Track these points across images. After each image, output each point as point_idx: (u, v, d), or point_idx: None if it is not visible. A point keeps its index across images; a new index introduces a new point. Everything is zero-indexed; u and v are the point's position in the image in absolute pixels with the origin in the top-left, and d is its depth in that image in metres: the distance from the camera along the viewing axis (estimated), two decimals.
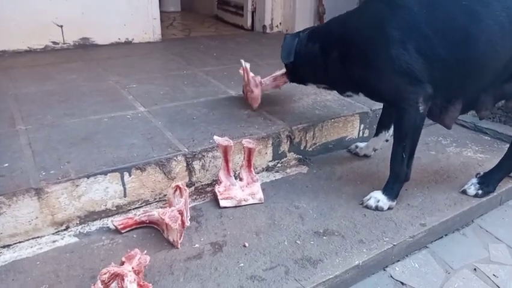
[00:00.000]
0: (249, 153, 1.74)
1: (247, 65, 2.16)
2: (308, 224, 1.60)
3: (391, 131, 1.95)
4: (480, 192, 1.82)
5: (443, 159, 2.14)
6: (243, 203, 1.69)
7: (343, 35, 1.69)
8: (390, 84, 1.59)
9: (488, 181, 1.85)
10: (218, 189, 1.71)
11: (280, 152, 2.00)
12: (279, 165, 2.02)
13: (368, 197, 1.72)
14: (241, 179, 1.76)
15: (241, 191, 1.72)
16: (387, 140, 2.05)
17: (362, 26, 1.64)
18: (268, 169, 1.99)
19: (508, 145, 1.90)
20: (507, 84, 1.67)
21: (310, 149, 2.09)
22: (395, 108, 1.65)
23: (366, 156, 2.12)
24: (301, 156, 2.08)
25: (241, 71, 2.23)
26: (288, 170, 2.01)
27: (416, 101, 1.56)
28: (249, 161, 1.75)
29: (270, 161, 1.99)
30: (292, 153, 2.06)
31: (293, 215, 1.65)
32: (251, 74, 2.16)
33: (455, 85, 1.61)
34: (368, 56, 1.60)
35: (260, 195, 1.72)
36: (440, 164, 2.09)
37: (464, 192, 1.83)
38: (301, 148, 2.06)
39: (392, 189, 1.70)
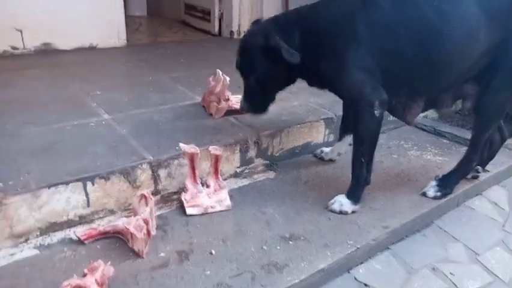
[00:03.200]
0: (216, 160, 1.75)
1: (227, 78, 2.17)
2: (275, 229, 1.63)
3: None
4: (439, 194, 1.90)
5: (405, 162, 2.23)
6: (210, 210, 1.70)
7: (313, 25, 1.67)
8: (351, 80, 1.62)
9: (446, 183, 1.93)
10: (184, 197, 1.71)
11: (247, 158, 2.02)
12: (246, 171, 2.04)
13: (332, 201, 1.77)
14: (208, 186, 1.76)
15: (208, 198, 1.72)
16: (350, 144, 2.11)
17: (333, 18, 1.65)
18: (235, 175, 2.01)
19: (465, 148, 2.00)
20: (467, 84, 1.77)
21: (277, 154, 2.13)
22: (352, 111, 1.71)
23: (331, 160, 2.17)
24: (268, 162, 2.11)
25: (210, 79, 2.25)
26: (256, 176, 2.03)
27: (372, 105, 1.61)
28: (216, 167, 1.76)
29: (237, 167, 2.01)
30: (260, 158, 2.08)
31: (260, 221, 1.67)
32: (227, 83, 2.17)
33: (419, 84, 1.69)
34: (334, 49, 1.61)
35: (227, 202, 1.73)
36: (401, 167, 2.17)
37: (424, 194, 1.91)
38: (269, 154, 2.10)
39: (354, 193, 1.75)
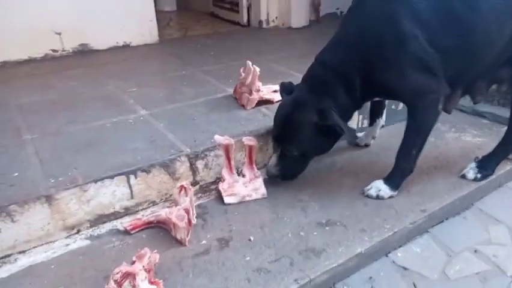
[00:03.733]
0: (250, 150, 1.80)
1: (257, 69, 2.21)
2: (311, 215, 1.67)
3: (384, 116, 2.02)
4: (479, 176, 1.86)
5: (442, 145, 2.19)
6: (247, 198, 1.75)
7: (359, 46, 1.60)
8: (411, 82, 1.58)
9: (486, 165, 1.89)
10: (222, 186, 1.77)
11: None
12: None
13: (369, 186, 1.78)
14: (244, 176, 1.82)
15: (244, 187, 1.78)
16: (383, 126, 2.11)
17: (371, 26, 1.58)
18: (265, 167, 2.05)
19: (506, 128, 1.95)
20: (501, 69, 1.73)
21: None
22: (412, 106, 1.65)
23: (366, 145, 2.17)
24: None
25: (241, 70, 2.29)
26: None
27: (437, 101, 1.60)
28: (250, 157, 1.81)
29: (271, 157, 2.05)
30: None
31: (296, 208, 1.71)
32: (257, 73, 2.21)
33: (457, 73, 1.66)
34: (385, 55, 1.56)
35: (263, 190, 1.78)
36: (439, 150, 2.14)
37: (463, 176, 1.88)
38: None
39: (395, 181, 1.75)
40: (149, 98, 2.37)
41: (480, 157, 1.95)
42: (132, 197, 1.69)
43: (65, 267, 1.44)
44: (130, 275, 1.24)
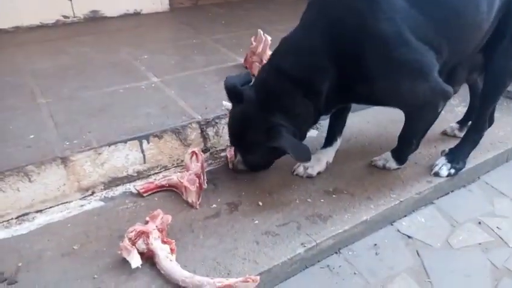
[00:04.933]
0: None
1: (269, 38, 2.19)
2: (318, 183, 1.69)
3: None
4: (452, 171, 1.75)
5: (451, 118, 2.18)
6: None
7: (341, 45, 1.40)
8: (406, 93, 1.46)
9: (458, 158, 1.78)
10: (230, 153, 1.79)
11: None
12: None
13: (377, 158, 1.79)
14: None
15: None
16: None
17: (343, 23, 1.39)
18: None
19: None
20: (477, 56, 1.67)
21: None
22: (409, 113, 1.59)
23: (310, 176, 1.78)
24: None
25: (252, 39, 2.27)
26: None
27: (437, 105, 1.52)
28: None
29: None
30: None
31: (303, 176, 1.74)
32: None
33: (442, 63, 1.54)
34: (368, 61, 1.40)
35: None
36: (448, 123, 2.13)
37: (436, 174, 1.74)
38: None
39: (400, 156, 1.75)
40: (160, 65, 2.38)
41: (447, 150, 1.84)
42: (145, 162, 1.73)
43: (80, 226, 1.49)
44: (143, 234, 1.29)
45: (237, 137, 1.59)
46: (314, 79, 1.45)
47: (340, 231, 1.46)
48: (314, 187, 1.67)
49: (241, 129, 1.55)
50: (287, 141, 1.43)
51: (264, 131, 1.47)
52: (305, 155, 1.47)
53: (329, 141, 1.83)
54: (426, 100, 1.49)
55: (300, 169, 1.75)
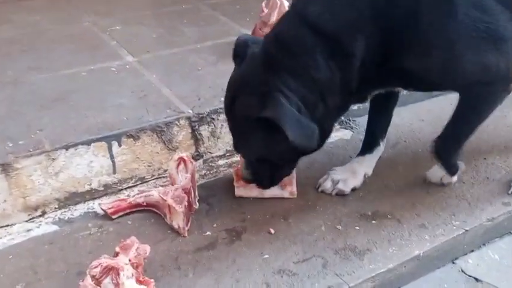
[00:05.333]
0: None
1: (285, 3, 2.19)
2: (352, 204, 1.68)
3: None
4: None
5: None
6: (268, 195, 1.74)
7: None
8: (467, 66, 1.47)
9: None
10: (237, 172, 1.74)
11: None
12: None
13: (431, 170, 1.78)
14: None
15: None
16: None
17: None
18: None
19: None
20: None
21: (356, 107, 2.14)
22: (467, 97, 1.58)
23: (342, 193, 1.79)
24: (343, 118, 2.14)
25: (263, 5, 2.27)
26: None
27: (505, 89, 1.53)
28: None
29: None
30: None
31: (332, 194, 1.73)
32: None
33: None
34: (425, 25, 1.42)
35: (293, 188, 1.75)
36: None
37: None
38: None
39: (443, 158, 1.71)
40: (137, 40, 2.39)
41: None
42: (114, 171, 1.74)
43: (26, 259, 1.49)
44: (112, 270, 1.28)
45: (228, 117, 1.57)
46: (347, 36, 1.43)
47: (382, 270, 1.44)
48: (346, 209, 1.66)
49: (231, 103, 1.52)
50: (281, 110, 1.37)
51: (258, 98, 1.42)
52: (306, 135, 1.40)
53: (368, 145, 1.83)
54: (497, 77, 1.49)
55: (327, 184, 1.75)
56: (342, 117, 2.13)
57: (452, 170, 1.73)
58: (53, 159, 1.64)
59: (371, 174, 1.80)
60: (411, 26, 1.41)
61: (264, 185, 1.67)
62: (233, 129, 1.57)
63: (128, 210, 1.65)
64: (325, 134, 1.55)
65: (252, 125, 1.45)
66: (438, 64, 1.47)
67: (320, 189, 1.76)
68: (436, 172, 1.77)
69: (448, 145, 1.70)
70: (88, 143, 1.68)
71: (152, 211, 1.65)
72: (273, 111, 1.37)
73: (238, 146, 1.59)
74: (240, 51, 1.55)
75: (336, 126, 2.13)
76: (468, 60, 1.45)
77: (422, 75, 1.51)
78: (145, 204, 1.65)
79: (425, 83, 1.59)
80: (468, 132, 1.64)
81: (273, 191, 1.74)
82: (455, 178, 1.75)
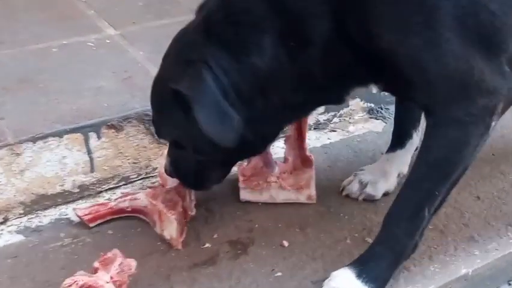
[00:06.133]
0: None
1: None
2: (384, 212, 1.66)
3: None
4: None
5: None
6: (280, 199, 1.75)
7: None
8: (450, 62, 1.33)
9: None
10: (242, 171, 1.76)
11: None
12: (336, 120, 2.09)
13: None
14: (284, 161, 1.81)
15: (279, 180, 1.76)
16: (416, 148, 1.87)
17: None
18: (318, 126, 2.07)
19: None
20: None
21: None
22: (439, 115, 1.41)
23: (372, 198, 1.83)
24: (373, 105, 2.13)
25: None
26: (352, 128, 2.10)
27: (492, 110, 1.36)
28: (300, 128, 1.77)
29: (321, 114, 2.06)
30: (358, 100, 2.12)
31: (359, 199, 1.74)
32: None
33: None
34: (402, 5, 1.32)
35: (311, 191, 1.75)
36: None
37: None
38: (374, 91, 2.10)
39: (374, 270, 1.46)
40: (120, 9, 2.39)
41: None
42: (92, 169, 1.74)
43: None
44: None
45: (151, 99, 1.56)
46: (311, 16, 1.37)
47: None
48: (377, 218, 1.65)
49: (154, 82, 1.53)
50: (199, 87, 1.34)
51: (181, 67, 1.41)
52: (222, 125, 1.35)
53: (398, 139, 1.81)
54: (481, 91, 1.33)
55: (353, 186, 1.75)
56: (372, 105, 2.13)
57: (383, 277, 1.47)
58: (18, 154, 1.64)
59: (406, 174, 1.77)
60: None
61: (187, 182, 1.64)
62: (151, 98, 1.56)
63: (109, 217, 1.65)
64: (268, 137, 1.55)
65: (167, 97, 1.43)
66: (414, 49, 1.34)
67: (344, 193, 1.76)
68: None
69: (399, 211, 1.51)
70: (60, 134, 1.67)
71: (138, 218, 1.65)
72: (189, 86, 1.34)
73: (154, 120, 1.60)
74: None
75: (365, 115, 2.13)
76: (451, 54, 1.31)
77: (385, 71, 1.42)
78: (129, 209, 1.65)
79: (396, 76, 1.43)
80: (438, 183, 1.43)
81: (287, 195, 1.75)
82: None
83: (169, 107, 1.45)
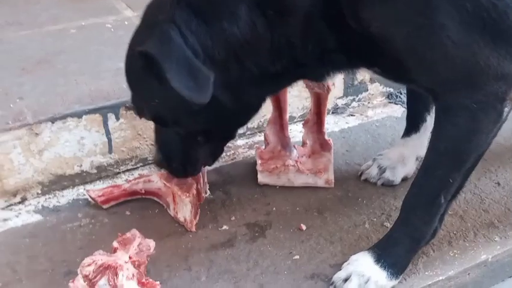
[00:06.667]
0: (318, 100, 1.75)
1: None
2: (403, 196, 1.65)
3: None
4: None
5: None
6: (298, 183, 1.75)
7: None
8: (457, 51, 1.27)
9: None
10: (261, 154, 1.76)
11: (356, 82, 2.05)
12: (354, 104, 2.08)
13: (342, 272, 1.48)
14: (302, 144, 1.81)
15: (297, 164, 1.76)
16: None
17: None
18: (336, 111, 2.06)
19: None
20: None
21: None
22: (449, 104, 1.37)
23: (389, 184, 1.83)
24: (392, 90, 2.12)
25: None
26: (370, 113, 2.08)
27: (504, 95, 1.32)
28: (318, 113, 1.77)
29: (339, 98, 2.05)
30: (378, 84, 2.10)
31: (378, 183, 1.74)
32: None
33: None
34: None
35: (329, 175, 1.75)
36: None
37: None
38: None
39: (396, 258, 1.47)
40: None
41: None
42: (110, 150, 1.75)
43: (3, 254, 1.50)
44: (108, 269, 1.28)
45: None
46: None
47: (440, 278, 1.43)
48: (396, 203, 1.65)
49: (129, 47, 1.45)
50: (166, 45, 1.28)
51: (149, 29, 1.37)
52: (195, 82, 1.28)
53: (411, 122, 1.79)
54: (488, 77, 1.30)
55: (372, 171, 1.74)
56: (392, 90, 2.12)
57: (403, 265, 1.47)
58: (36, 134, 1.64)
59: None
60: None
61: (178, 169, 1.58)
62: (126, 74, 1.49)
63: (122, 199, 1.66)
64: (248, 107, 1.51)
65: (138, 65, 1.38)
66: (405, 34, 1.31)
67: (362, 178, 1.75)
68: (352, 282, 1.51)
69: (415, 199, 1.50)
70: (78, 115, 1.68)
71: (153, 200, 1.67)
72: (155, 45, 1.28)
73: (132, 99, 1.52)
74: None
75: (384, 100, 2.12)
76: (458, 42, 1.26)
77: (378, 53, 1.37)
78: (143, 191, 1.66)
79: (390, 56, 1.38)
80: (444, 186, 1.42)
81: (305, 179, 1.74)
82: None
83: (142, 77, 1.40)
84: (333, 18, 1.32)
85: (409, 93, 1.80)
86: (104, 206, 1.64)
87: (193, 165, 1.59)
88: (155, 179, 1.64)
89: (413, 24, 1.26)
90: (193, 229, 1.57)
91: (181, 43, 1.28)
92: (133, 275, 1.30)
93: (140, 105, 1.50)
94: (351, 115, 2.06)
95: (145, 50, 1.26)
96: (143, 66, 1.34)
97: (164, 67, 1.23)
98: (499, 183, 1.74)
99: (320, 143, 1.79)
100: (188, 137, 1.52)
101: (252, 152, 1.82)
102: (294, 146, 1.79)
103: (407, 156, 1.76)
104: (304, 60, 1.41)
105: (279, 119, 1.77)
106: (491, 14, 1.23)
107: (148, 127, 1.75)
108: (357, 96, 2.08)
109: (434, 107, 1.66)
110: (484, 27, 1.24)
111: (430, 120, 1.75)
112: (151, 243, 1.38)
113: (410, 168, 1.76)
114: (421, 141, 1.77)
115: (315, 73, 1.51)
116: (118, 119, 1.72)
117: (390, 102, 2.11)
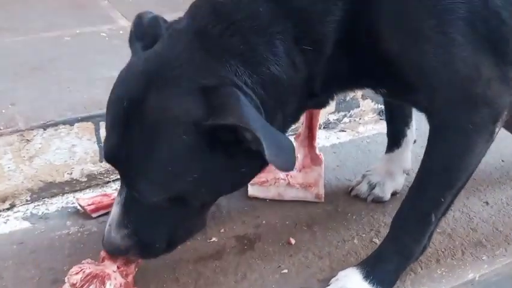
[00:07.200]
0: (311, 116, 1.76)
1: None
2: (393, 213, 1.65)
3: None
4: None
5: None
6: (288, 197, 1.75)
7: None
8: (457, 67, 1.28)
9: None
10: None
11: (348, 98, 2.06)
12: (346, 120, 2.09)
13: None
14: None
15: (287, 177, 1.76)
16: (415, 141, 1.87)
17: None
18: (328, 126, 2.07)
19: None
20: None
21: None
22: (444, 121, 1.37)
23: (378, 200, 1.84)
24: (383, 107, 2.13)
25: None
26: (362, 129, 2.09)
27: (497, 117, 1.34)
28: (310, 126, 1.78)
29: (331, 113, 2.06)
30: (369, 100, 2.11)
31: (368, 200, 1.74)
32: None
33: None
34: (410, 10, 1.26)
35: (319, 189, 1.75)
36: None
37: None
38: None
39: (385, 274, 1.47)
40: (134, 0, 2.39)
41: None
42: (101, 159, 1.74)
43: None
44: (96, 279, 1.28)
45: (126, 123, 1.23)
46: (320, 13, 1.26)
47: None
48: (385, 219, 1.66)
49: (141, 101, 1.20)
50: (248, 115, 1.12)
51: (200, 91, 1.17)
52: (286, 153, 1.17)
53: (394, 138, 1.80)
54: (485, 99, 1.30)
55: (362, 187, 1.74)
56: (383, 107, 2.13)
57: (391, 280, 1.47)
58: (28, 140, 1.64)
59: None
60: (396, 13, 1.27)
61: (150, 253, 1.36)
62: (131, 149, 1.22)
63: (111, 208, 1.65)
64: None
65: (184, 140, 1.17)
66: (423, 52, 1.29)
67: (353, 194, 1.75)
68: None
69: (405, 216, 1.48)
70: (70, 122, 1.68)
71: None
72: (238, 116, 1.11)
73: (137, 180, 1.24)
74: (148, 31, 1.32)
75: (375, 116, 2.13)
76: (459, 58, 1.27)
77: (388, 72, 1.35)
78: None
79: (399, 80, 1.38)
80: (435, 205, 1.41)
81: (295, 193, 1.75)
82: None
83: (187, 148, 1.18)
84: (353, 43, 1.29)
85: (388, 110, 1.81)
86: (93, 215, 1.64)
87: (185, 237, 1.40)
88: None
89: (433, 42, 1.25)
90: None
91: (254, 110, 1.16)
92: (121, 285, 1.30)
93: (155, 180, 1.21)
94: (343, 130, 2.07)
95: (227, 123, 1.11)
96: (199, 139, 1.17)
97: (263, 142, 1.08)
98: (487, 203, 1.74)
99: (310, 158, 1.79)
100: (195, 207, 1.33)
101: None
102: None
103: (394, 171, 1.77)
104: (315, 91, 1.36)
105: None
106: (497, 38, 1.25)
107: None
108: (348, 112, 2.09)
109: (412, 120, 1.75)
110: (489, 49, 1.25)
111: (410, 134, 1.78)
112: None
113: (398, 182, 1.77)
114: (405, 156, 1.80)
115: (323, 101, 1.47)
116: None
117: (381, 119, 2.12)
